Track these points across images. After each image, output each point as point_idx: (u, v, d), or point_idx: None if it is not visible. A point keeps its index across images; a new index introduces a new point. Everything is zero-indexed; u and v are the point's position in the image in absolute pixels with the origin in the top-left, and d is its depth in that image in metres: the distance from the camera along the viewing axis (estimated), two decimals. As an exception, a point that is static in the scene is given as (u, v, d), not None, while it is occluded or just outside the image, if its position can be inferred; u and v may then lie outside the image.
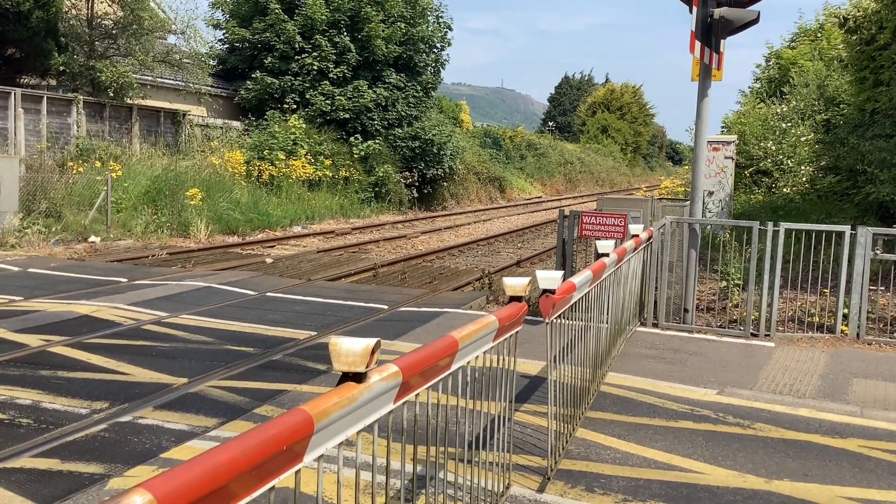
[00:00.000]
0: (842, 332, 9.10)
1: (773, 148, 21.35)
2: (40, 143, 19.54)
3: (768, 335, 9.09)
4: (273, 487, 2.05)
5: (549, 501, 4.54)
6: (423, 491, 3.55)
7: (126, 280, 11.58)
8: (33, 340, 7.78)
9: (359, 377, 2.51)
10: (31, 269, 12.27)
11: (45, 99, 20.00)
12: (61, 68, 20.97)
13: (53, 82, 21.68)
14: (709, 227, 13.44)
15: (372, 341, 2.46)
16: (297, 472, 2.19)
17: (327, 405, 2.28)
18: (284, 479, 2.12)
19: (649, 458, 5.27)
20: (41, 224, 15.57)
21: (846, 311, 9.13)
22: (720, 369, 7.68)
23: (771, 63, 27.93)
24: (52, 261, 13.41)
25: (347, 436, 2.49)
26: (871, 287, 9.41)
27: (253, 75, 27.22)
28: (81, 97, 20.99)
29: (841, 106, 20.35)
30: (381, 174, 27.40)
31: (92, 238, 15.91)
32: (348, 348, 2.45)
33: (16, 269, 12.32)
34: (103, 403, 5.96)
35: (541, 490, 4.68)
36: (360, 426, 2.57)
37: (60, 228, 15.81)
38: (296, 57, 27.10)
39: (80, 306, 9.48)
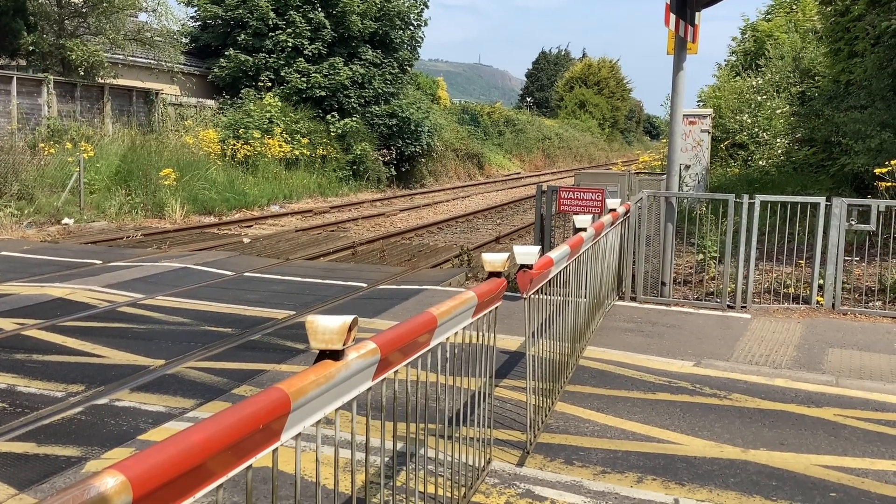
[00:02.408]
0: (817, 302, 9.19)
1: (749, 121, 21.46)
2: (10, 124, 19.22)
3: (744, 307, 9.16)
4: (250, 466, 2.04)
5: (529, 475, 4.56)
6: (404, 467, 3.56)
7: (101, 262, 11.45)
8: (7, 324, 7.68)
9: (336, 355, 2.49)
10: (3, 253, 12.10)
11: (14, 79, 19.64)
12: (31, 48, 20.59)
13: (23, 62, 21.28)
14: (685, 200, 13.51)
15: (349, 318, 2.44)
16: (275, 450, 2.18)
17: (304, 383, 2.27)
18: (262, 458, 2.10)
19: (627, 430, 5.32)
20: (13, 207, 15.35)
21: (822, 281, 9.22)
22: (697, 341, 7.75)
23: (746, 36, 28.00)
24: (24, 244, 13.24)
25: (325, 414, 2.47)
26: (847, 258, 9.51)
27: (226, 53, 26.86)
28: (52, 77, 20.63)
29: (816, 78, 20.47)
30: (359, 152, 27.23)
31: (65, 220, 15.71)
32: (325, 326, 2.44)
33: (-12, 252, 12.15)
34: (79, 386, 5.91)
35: (520, 464, 4.70)
36: (339, 404, 2.56)
37: (33, 211, 15.59)
38: (270, 34, 26.76)
39: (55, 289, 9.37)
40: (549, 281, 5.02)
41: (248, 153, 23.31)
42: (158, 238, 14.74)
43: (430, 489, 3.82)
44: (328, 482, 4.16)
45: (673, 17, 9.09)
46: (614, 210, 8.15)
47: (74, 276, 10.28)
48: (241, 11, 26.64)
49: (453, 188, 32.14)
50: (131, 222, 16.69)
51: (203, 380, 6.17)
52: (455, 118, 41.73)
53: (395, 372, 3.09)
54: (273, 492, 2.28)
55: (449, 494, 3.96)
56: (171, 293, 9.38)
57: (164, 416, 5.36)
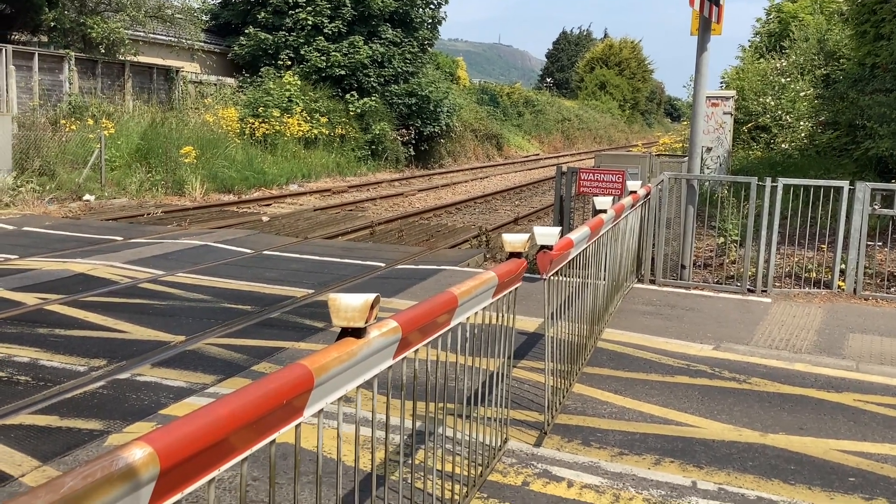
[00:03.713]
0: (839, 287, 9.12)
1: (772, 103, 21.20)
2: (32, 100, 19.33)
3: (765, 291, 9.10)
4: (273, 441, 2.05)
5: (546, 455, 4.58)
6: (423, 446, 3.58)
7: (122, 238, 11.54)
8: (30, 299, 7.77)
9: (358, 332, 2.50)
10: (25, 228, 12.22)
11: (36, 55, 19.73)
12: (52, 24, 20.66)
13: (45, 38, 21.37)
14: (707, 183, 13.40)
15: (371, 296, 2.45)
16: (297, 426, 2.19)
17: (327, 360, 2.28)
18: (284, 434, 2.12)
19: (645, 412, 5.31)
20: (35, 182, 15.47)
21: (843, 266, 9.14)
22: (717, 325, 7.71)
23: (771, 17, 27.59)
24: (46, 219, 13.35)
25: (347, 391, 2.48)
26: (869, 242, 9.42)
27: (246, 31, 26.83)
28: (73, 53, 20.71)
29: (841, 60, 20.17)
30: (378, 132, 27.18)
31: (86, 196, 15.82)
32: (347, 304, 2.44)
33: (10, 227, 12.26)
34: (101, 361, 5.98)
35: (538, 444, 4.71)
36: (360, 381, 2.57)
37: (55, 187, 15.71)
38: (290, 12, 26.69)
39: (76, 265, 9.45)
40: (569, 262, 5.01)
41: (268, 132, 23.33)
42: (178, 215, 14.82)
43: (448, 468, 3.84)
44: (348, 459, 4.19)
45: (697, -4, 8.97)
46: (635, 192, 8.10)
47: (96, 252, 10.37)
48: (261, -11, 26.59)
49: (472, 169, 32.05)
50: (152, 199, 16.79)
51: (223, 356, 6.22)
52: (474, 98, 41.53)
53: (416, 351, 3.10)
54: (295, 467, 2.30)
55: (466, 473, 3.98)
56: (192, 270, 9.45)
57: (185, 391, 5.41)
